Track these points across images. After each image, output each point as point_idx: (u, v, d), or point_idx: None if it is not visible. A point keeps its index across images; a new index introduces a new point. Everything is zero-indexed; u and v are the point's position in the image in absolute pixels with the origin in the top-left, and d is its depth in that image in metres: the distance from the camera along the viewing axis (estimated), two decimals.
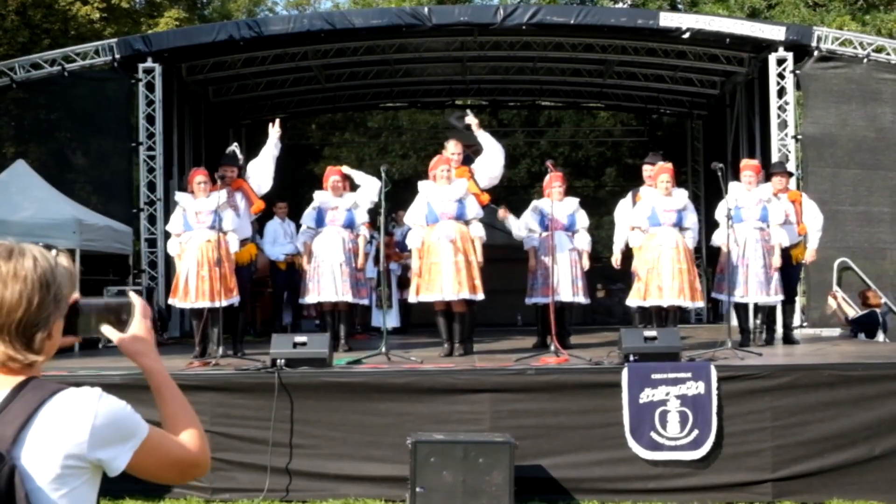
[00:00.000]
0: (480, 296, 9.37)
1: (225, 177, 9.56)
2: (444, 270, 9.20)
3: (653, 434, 7.62)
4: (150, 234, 13.75)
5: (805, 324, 13.27)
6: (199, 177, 9.53)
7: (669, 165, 10.13)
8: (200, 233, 9.27)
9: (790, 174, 11.38)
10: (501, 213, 10.62)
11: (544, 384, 7.76)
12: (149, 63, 13.78)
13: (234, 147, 10.56)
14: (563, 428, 7.68)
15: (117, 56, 13.70)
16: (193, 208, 9.36)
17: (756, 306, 10.51)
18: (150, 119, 13.78)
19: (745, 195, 10.07)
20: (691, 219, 9.89)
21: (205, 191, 9.39)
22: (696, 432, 7.59)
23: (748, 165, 10.46)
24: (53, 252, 2.07)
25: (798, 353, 10.00)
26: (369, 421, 7.69)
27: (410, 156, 24.90)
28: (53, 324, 2.02)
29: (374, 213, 10.74)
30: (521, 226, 10.39)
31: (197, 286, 9.20)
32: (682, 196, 9.91)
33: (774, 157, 13.19)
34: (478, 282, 9.32)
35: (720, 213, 9.87)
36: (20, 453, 1.89)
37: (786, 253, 10.21)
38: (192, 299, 9.23)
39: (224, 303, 9.12)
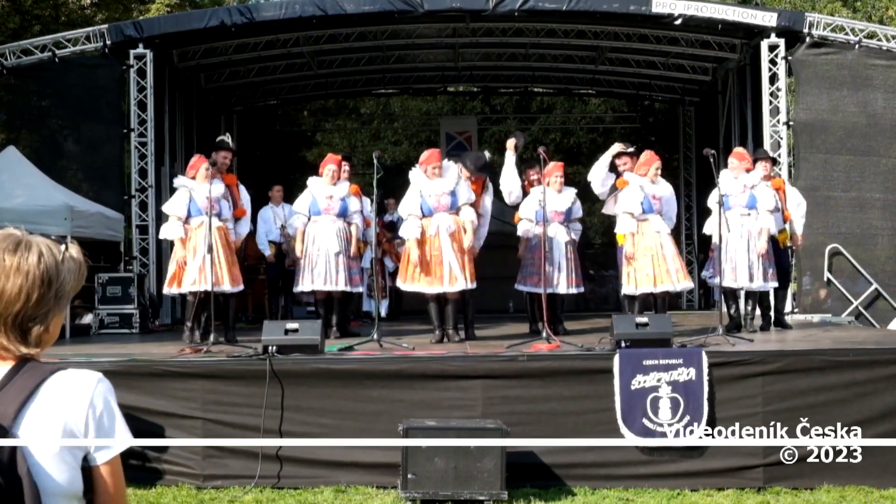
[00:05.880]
0: (474, 284, 9.46)
1: (217, 162, 9.56)
2: (446, 264, 9.26)
3: (644, 420, 7.64)
4: (141, 220, 13.72)
5: (796, 310, 13.31)
6: (205, 163, 9.55)
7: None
8: (209, 219, 9.28)
9: (774, 161, 11.39)
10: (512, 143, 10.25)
11: (536, 370, 7.77)
12: (140, 49, 13.72)
13: (227, 136, 10.60)
14: (554, 414, 7.69)
15: (108, 42, 13.64)
16: (202, 194, 9.33)
17: (747, 292, 10.54)
18: (142, 105, 13.73)
19: (732, 182, 10.10)
20: (671, 205, 9.96)
21: (208, 178, 9.37)
22: (687, 418, 7.62)
23: (734, 153, 10.51)
24: (63, 246, 2.07)
25: (789, 338, 10.02)
26: (361, 407, 7.69)
27: (402, 142, 24.90)
28: (52, 319, 2.03)
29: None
30: (511, 189, 10.23)
31: (198, 270, 9.25)
32: (666, 185, 9.98)
33: (766, 144, 13.21)
34: (471, 270, 9.41)
35: (712, 201, 9.88)
36: (21, 430, 1.92)
37: (772, 239, 10.23)
38: (207, 283, 9.10)
39: (233, 288, 9.29)
